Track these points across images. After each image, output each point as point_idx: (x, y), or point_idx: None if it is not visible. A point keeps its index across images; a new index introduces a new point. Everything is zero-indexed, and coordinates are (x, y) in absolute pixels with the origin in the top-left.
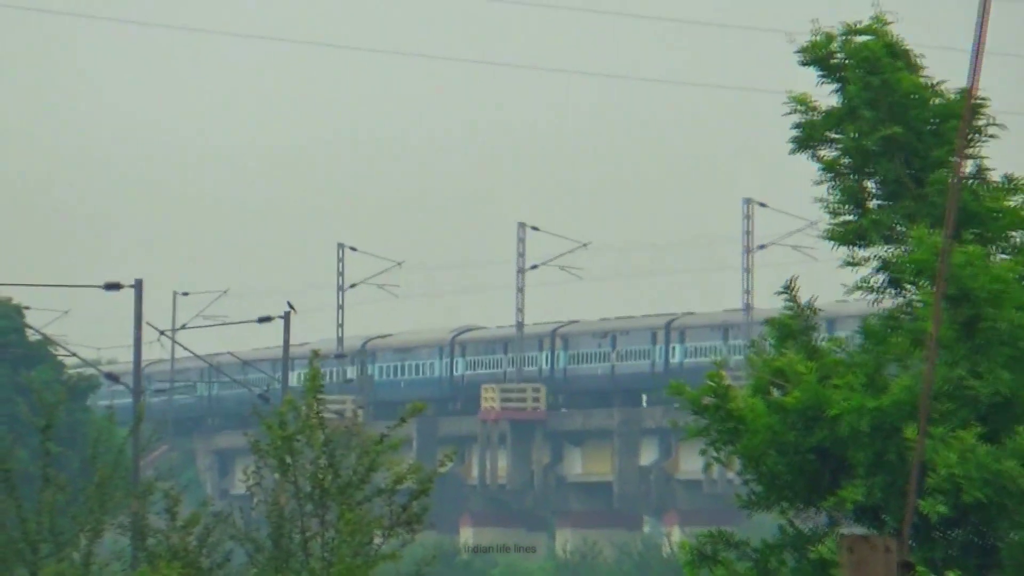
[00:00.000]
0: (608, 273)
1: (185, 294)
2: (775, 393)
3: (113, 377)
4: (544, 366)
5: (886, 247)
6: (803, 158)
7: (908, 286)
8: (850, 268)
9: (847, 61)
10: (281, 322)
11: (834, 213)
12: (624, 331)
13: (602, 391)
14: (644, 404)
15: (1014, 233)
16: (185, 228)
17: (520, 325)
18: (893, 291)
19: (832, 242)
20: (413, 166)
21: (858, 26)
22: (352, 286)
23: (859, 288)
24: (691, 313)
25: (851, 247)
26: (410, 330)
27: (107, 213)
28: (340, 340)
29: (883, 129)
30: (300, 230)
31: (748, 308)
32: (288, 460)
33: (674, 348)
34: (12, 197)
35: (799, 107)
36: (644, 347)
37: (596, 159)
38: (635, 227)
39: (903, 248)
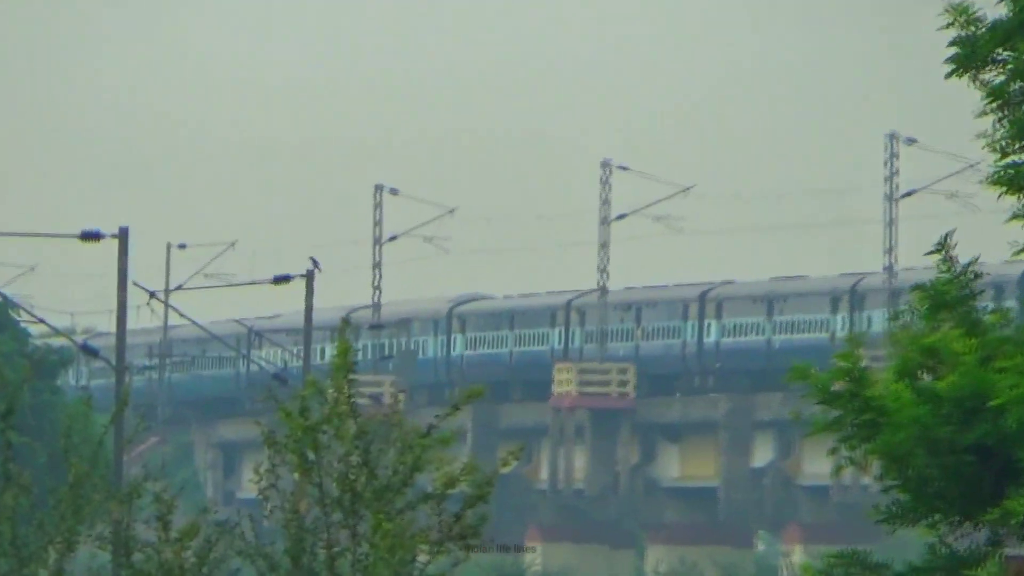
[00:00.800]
0: (715, 226)
1: (182, 247)
2: (925, 378)
3: (91, 350)
4: (557, 345)
5: None
6: (963, 84)
7: None
8: (1021, 221)
9: None
10: (303, 282)
11: (1001, 152)
12: (651, 303)
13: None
14: (676, 395)
15: None
16: (183, 167)
17: (604, 290)
18: None
19: (998, 189)
20: (469, 94)
21: None
22: (392, 238)
23: None
24: (730, 282)
25: (1022, 195)
26: (398, 300)
27: (85, 147)
28: (377, 305)
29: None
30: (328, 170)
31: (891, 269)
32: (311, 457)
33: (709, 325)
34: None
35: (958, 19)
36: (674, 323)
37: (698, 86)
38: (749, 170)
39: None
